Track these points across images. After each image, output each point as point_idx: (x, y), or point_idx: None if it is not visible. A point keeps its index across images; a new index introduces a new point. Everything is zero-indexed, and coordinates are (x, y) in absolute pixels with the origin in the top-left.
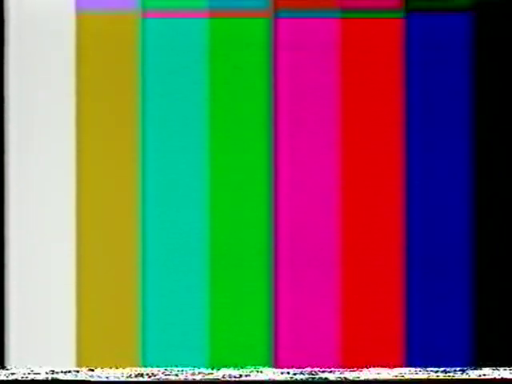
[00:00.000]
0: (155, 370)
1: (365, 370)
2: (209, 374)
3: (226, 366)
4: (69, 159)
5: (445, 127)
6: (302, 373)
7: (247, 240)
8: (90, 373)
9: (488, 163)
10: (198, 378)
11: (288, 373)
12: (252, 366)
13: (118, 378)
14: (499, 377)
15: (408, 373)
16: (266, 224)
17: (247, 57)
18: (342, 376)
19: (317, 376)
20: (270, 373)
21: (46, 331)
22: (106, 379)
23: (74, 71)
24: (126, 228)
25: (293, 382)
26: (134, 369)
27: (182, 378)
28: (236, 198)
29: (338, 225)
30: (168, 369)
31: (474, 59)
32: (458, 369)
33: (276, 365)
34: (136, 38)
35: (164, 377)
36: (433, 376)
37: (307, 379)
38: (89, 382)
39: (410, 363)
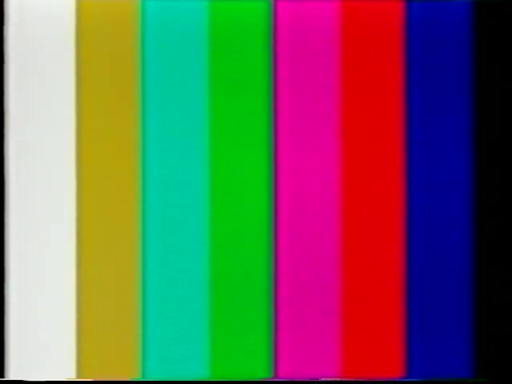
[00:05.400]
0: None
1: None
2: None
3: (226, 376)
4: (68, 157)
5: (445, 112)
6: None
7: (247, 249)
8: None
9: (488, 143)
10: None
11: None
12: (252, 376)
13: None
14: None
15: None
16: (266, 231)
17: (247, 39)
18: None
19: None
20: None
21: (47, 343)
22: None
23: (74, 57)
24: (126, 237)
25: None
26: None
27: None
28: (236, 200)
29: (338, 233)
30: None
31: (474, 44)
32: (456, 378)
33: (276, 375)
34: (136, 21)
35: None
36: None
37: None
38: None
39: (409, 373)
